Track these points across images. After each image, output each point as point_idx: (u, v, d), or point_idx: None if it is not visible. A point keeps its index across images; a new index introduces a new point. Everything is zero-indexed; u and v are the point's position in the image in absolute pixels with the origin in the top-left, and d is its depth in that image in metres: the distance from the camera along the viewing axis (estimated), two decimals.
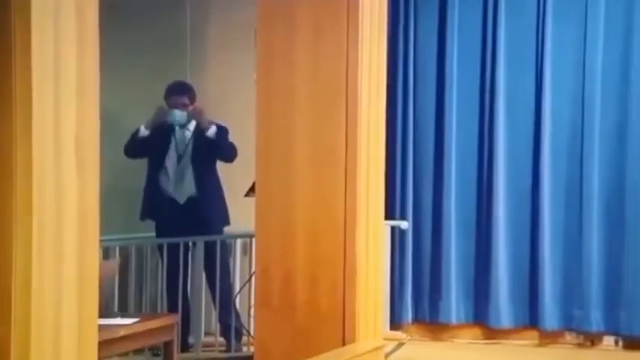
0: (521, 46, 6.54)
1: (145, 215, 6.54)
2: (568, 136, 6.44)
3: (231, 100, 6.93)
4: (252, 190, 5.46)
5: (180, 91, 6.42)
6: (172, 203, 6.42)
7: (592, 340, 6.41)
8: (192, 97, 6.44)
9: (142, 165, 6.58)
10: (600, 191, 6.35)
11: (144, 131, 6.37)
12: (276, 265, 5.14)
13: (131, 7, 6.96)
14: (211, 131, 6.33)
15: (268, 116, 5.16)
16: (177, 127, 6.42)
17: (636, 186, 6.25)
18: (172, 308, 6.30)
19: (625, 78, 6.30)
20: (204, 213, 6.41)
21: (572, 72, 6.42)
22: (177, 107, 6.36)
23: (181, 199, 6.43)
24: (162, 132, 6.40)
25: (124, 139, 6.46)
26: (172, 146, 6.43)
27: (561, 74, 6.44)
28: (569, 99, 6.43)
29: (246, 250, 6.67)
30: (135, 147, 6.41)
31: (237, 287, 6.61)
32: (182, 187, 6.42)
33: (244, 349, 6.42)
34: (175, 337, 5.20)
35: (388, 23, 5.43)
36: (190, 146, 6.42)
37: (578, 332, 6.43)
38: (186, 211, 6.40)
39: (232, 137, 6.47)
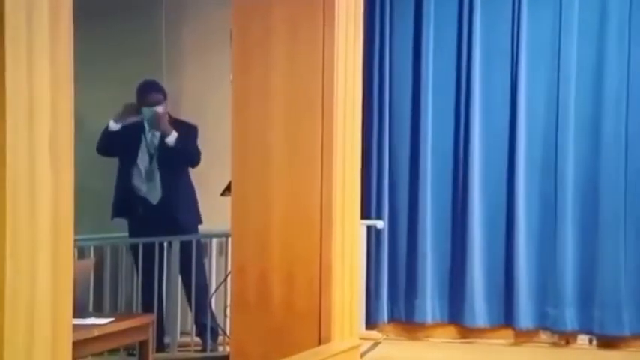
0: (496, 44, 6.57)
1: (115, 214, 6.52)
2: (543, 135, 6.47)
3: (207, 101, 6.92)
4: (228, 190, 5.46)
5: (155, 89, 6.42)
6: (145, 203, 6.41)
7: (566, 338, 6.44)
8: (164, 94, 6.45)
9: (115, 165, 6.57)
10: (575, 190, 6.38)
11: (113, 125, 6.37)
12: (252, 264, 5.14)
13: (106, 8, 6.93)
14: (171, 138, 6.36)
15: (244, 116, 5.16)
16: (147, 127, 6.41)
17: (610, 185, 6.29)
18: (147, 308, 6.28)
19: (599, 75, 6.33)
20: (175, 214, 6.40)
21: (547, 70, 6.45)
22: (151, 104, 6.35)
23: (154, 200, 6.42)
24: (134, 131, 6.39)
25: (99, 133, 6.45)
26: (143, 146, 6.42)
27: (536, 72, 6.47)
28: (544, 97, 6.46)
29: (222, 250, 6.67)
30: (105, 142, 6.41)
31: (213, 287, 6.60)
32: (154, 187, 6.41)
33: (220, 348, 6.41)
34: (151, 336, 5.19)
35: (364, 22, 5.44)
36: (159, 148, 6.42)
37: (553, 331, 6.46)
38: (158, 212, 6.39)
39: (208, 137, 6.47)
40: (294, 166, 5.07)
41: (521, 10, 6.47)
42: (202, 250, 6.60)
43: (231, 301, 5.31)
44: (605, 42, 6.32)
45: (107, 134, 6.39)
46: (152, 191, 6.41)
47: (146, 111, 6.35)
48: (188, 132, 6.42)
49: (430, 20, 6.67)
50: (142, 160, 6.41)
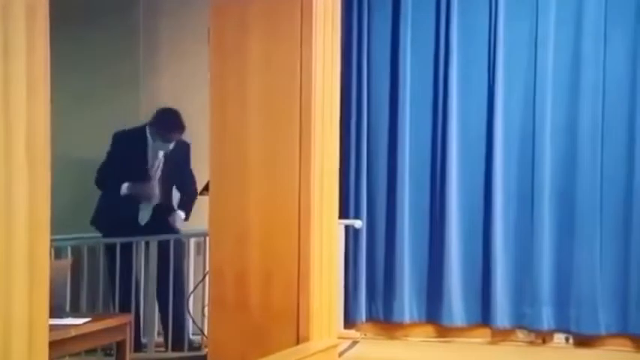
0: (473, 46, 6.59)
1: (96, 225, 6.52)
2: (520, 136, 6.50)
3: (184, 100, 6.90)
4: (206, 189, 5.45)
5: (180, 128, 6.47)
6: (133, 223, 6.41)
7: (543, 337, 6.47)
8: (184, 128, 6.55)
9: (95, 166, 6.55)
10: (551, 190, 6.41)
11: (124, 191, 6.42)
12: (230, 264, 5.13)
13: (82, 7, 6.90)
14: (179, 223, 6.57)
15: (222, 115, 5.15)
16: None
17: (586, 185, 6.32)
18: (125, 308, 6.27)
19: (575, 77, 6.36)
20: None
21: (524, 73, 6.48)
22: (170, 140, 6.39)
23: (142, 220, 6.43)
24: (135, 149, 6.40)
25: (76, 136, 6.42)
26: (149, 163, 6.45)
27: (513, 75, 6.49)
28: (520, 99, 6.49)
29: (200, 250, 6.66)
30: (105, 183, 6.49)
31: (190, 287, 6.59)
32: (147, 208, 6.43)
33: (198, 349, 6.41)
34: (128, 336, 5.17)
35: (342, 22, 5.44)
36: (160, 170, 6.43)
37: (530, 330, 6.49)
38: (143, 232, 6.43)
39: (186, 136, 6.46)
40: (272, 165, 5.07)
41: (498, 13, 6.50)
42: (183, 251, 6.61)
43: (209, 301, 5.30)
44: (581, 45, 6.34)
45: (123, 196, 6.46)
46: (144, 211, 6.46)
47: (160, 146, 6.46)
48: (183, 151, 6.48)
49: (408, 22, 6.68)
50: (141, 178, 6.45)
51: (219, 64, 5.20)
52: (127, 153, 6.42)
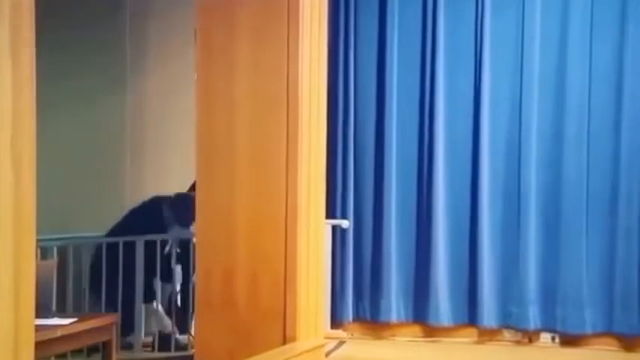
0: (460, 47, 6.60)
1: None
2: (506, 136, 6.51)
3: (171, 101, 6.90)
4: (192, 190, 5.45)
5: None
6: None
7: (529, 337, 6.49)
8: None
9: (81, 166, 6.53)
10: (537, 191, 6.43)
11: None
12: (218, 264, 5.14)
13: (69, 8, 6.88)
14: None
15: (208, 116, 5.16)
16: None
17: (572, 185, 6.34)
18: (111, 308, 6.27)
19: (561, 78, 6.38)
20: None
21: (510, 72, 6.49)
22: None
23: None
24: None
25: (62, 137, 6.40)
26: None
27: (499, 74, 6.50)
28: (507, 99, 6.50)
29: None
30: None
31: (177, 287, 6.59)
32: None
33: (185, 349, 6.40)
34: (114, 336, 5.17)
35: (329, 23, 5.45)
36: None
37: (516, 329, 6.50)
38: None
39: (173, 137, 6.46)
40: (259, 166, 5.08)
41: (485, 14, 6.51)
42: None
43: (196, 300, 5.30)
44: (567, 46, 6.36)
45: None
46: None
47: None
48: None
49: (394, 23, 6.68)
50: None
51: (205, 65, 5.20)
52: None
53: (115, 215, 6.66)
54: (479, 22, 6.54)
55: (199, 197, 5.19)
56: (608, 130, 6.29)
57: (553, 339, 6.45)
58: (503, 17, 6.50)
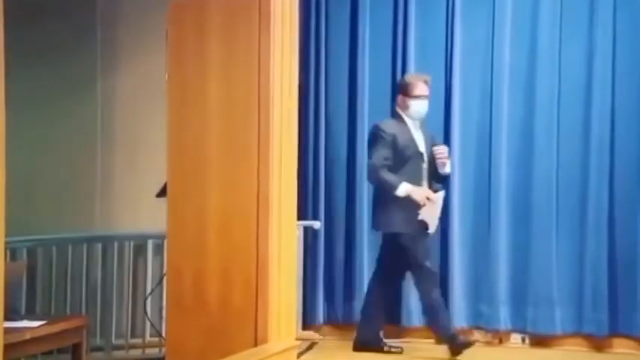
0: (430, 46, 6.63)
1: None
2: (476, 135, 6.54)
3: (142, 100, 6.87)
4: (163, 191, 5.42)
5: None
6: None
7: (500, 337, 6.52)
8: None
9: (52, 166, 6.48)
10: (507, 190, 6.46)
11: None
12: (188, 265, 5.12)
13: (39, 6, 6.83)
14: None
15: (180, 116, 5.14)
16: None
17: (542, 185, 6.38)
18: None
19: (531, 76, 6.43)
20: None
21: (481, 72, 6.53)
22: None
23: None
24: None
25: (31, 134, 6.35)
26: None
27: (470, 74, 6.54)
28: (477, 99, 6.54)
29: (158, 251, 6.62)
30: None
31: (148, 288, 6.56)
32: None
33: (155, 350, 6.38)
34: (84, 339, 5.13)
35: (300, 23, 5.45)
36: None
37: (487, 330, 6.53)
38: None
39: (144, 137, 6.43)
40: (230, 166, 5.06)
41: (455, 14, 6.54)
42: None
43: (167, 302, 5.27)
44: (537, 44, 6.41)
45: None
46: None
47: None
48: None
49: (366, 23, 6.70)
50: None
51: (176, 65, 5.18)
52: None
53: (87, 216, 6.64)
54: (449, 21, 6.58)
55: (170, 197, 5.16)
56: (578, 129, 6.35)
57: (523, 340, 6.48)
58: (473, 16, 6.54)
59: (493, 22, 6.50)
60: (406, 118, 5.94)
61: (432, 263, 6.03)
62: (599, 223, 6.26)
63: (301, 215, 6.12)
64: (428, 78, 6.01)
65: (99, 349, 6.41)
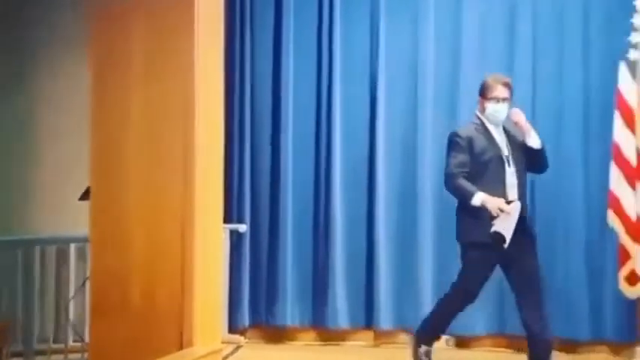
0: (356, 52, 6.67)
1: None
2: (402, 139, 6.60)
3: (65, 104, 6.78)
4: (86, 195, 5.36)
5: None
6: None
7: None
8: None
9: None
10: (433, 194, 6.51)
11: None
12: (112, 269, 5.07)
13: None
14: None
15: (102, 120, 5.10)
16: None
17: None
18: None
19: (455, 82, 6.51)
20: None
21: (406, 76, 6.59)
22: None
23: None
24: None
25: None
26: None
27: (395, 79, 6.60)
28: (402, 103, 6.60)
29: (81, 256, 6.55)
30: None
31: (72, 293, 6.48)
32: None
33: (78, 355, 6.30)
34: (5, 344, 5.05)
35: (225, 29, 5.44)
36: None
37: (412, 332, 6.56)
38: None
39: (67, 141, 6.36)
40: (154, 169, 5.03)
41: (380, 19, 6.60)
42: None
43: (89, 306, 5.22)
44: (461, 50, 6.50)
45: None
46: None
47: None
48: None
49: (290, 28, 6.72)
50: None
51: (98, 68, 5.14)
52: None
53: (6, 220, 6.54)
54: (374, 24, 6.63)
55: (93, 201, 5.11)
56: None
57: (447, 341, 6.54)
58: (398, 19, 6.61)
59: (417, 25, 6.57)
60: (486, 122, 5.52)
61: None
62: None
63: (227, 218, 6.11)
64: (508, 80, 5.59)
65: (20, 354, 6.30)
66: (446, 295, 5.64)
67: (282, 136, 6.69)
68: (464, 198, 5.40)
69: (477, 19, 6.49)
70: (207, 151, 5.12)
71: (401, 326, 6.60)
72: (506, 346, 6.44)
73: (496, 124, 5.50)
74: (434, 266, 6.52)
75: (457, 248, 6.40)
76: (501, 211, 5.26)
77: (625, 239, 5.67)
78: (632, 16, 5.69)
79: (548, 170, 6.27)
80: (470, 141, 5.44)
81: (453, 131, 5.57)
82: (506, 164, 5.44)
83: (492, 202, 5.27)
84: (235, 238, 6.66)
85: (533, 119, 6.32)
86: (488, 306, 6.41)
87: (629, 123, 5.66)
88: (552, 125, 6.34)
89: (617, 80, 5.73)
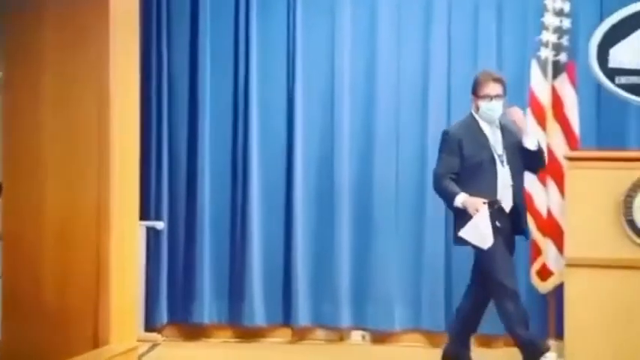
0: (273, 50, 6.67)
1: None
2: (319, 137, 6.62)
3: None
4: None
5: None
6: None
7: (341, 335, 6.62)
8: None
9: None
10: (350, 191, 6.56)
11: None
12: (25, 267, 5.02)
13: None
14: None
15: (14, 115, 5.05)
16: None
17: (383, 185, 6.51)
18: None
19: (371, 78, 6.55)
20: None
21: (323, 76, 6.61)
22: None
23: None
24: None
25: None
26: None
27: (312, 78, 6.61)
28: (319, 102, 6.62)
29: None
30: None
31: None
32: None
33: None
34: None
35: (141, 29, 5.42)
36: None
37: (329, 328, 6.62)
38: None
39: None
40: (68, 167, 5.00)
41: (296, 19, 6.61)
42: None
43: (1, 305, 5.14)
44: (376, 48, 6.55)
45: None
46: None
47: None
48: None
49: (207, 28, 6.67)
50: None
51: (11, 68, 5.08)
52: None
53: None
54: (291, 28, 6.64)
55: (5, 198, 5.04)
56: (416, 131, 6.51)
57: (363, 337, 6.60)
58: (314, 22, 6.63)
59: (333, 27, 6.60)
60: (479, 120, 5.29)
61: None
62: (436, 223, 6.43)
63: (144, 215, 6.07)
64: (500, 76, 5.37)
65: None
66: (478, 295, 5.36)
67: (200, 134, 6.66)
68: (448, 200, 5.24)
69: (393, 18, 6.54)
70: (123, 149, 5.10)
71: (318, 323, 6.63)
72: (422, 342, 6.51)
73: (490, 122, 5.28)
74: (351, 264, 6.56)
75: (373, 244, 6.52)
76: (477, 210, 5.08)
77: (536, 235, 5.80)
78: (543, 15, 5.81)
79: None
80: (460, 141, 5.23)
81: (445, 129, 5.43)
82: (500, 164, 5.23)
83: (471, 203, 5.10)
84: (153, 235, 6.60)
85: (447, 117, 6.46)
86: (404, 302, 6.48)
87: (541, 121, 5.78)
88: None
89: (529, 79, 5.86)
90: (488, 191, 5.15)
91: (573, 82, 5.75)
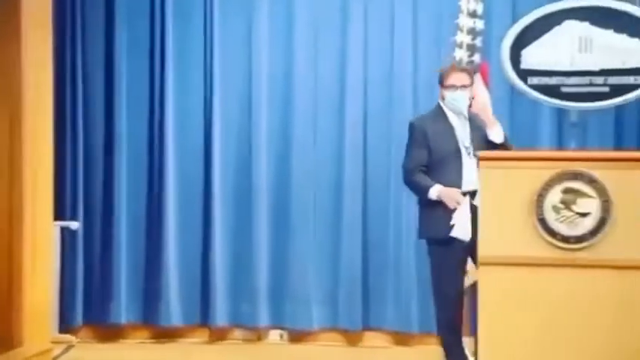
0: (190, 51, 6.65)
1: None
2: (237, 137, 6.63)
3: None
4: None
5: None
6: None
7: (259, 335, 6.64)
8: None
9: None
10: (268, 190, 6.58)
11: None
12: None
13: None
14: None
15: None
16: None
17: (300, 186, 6.55)
18: None
19: (289, 80, 6.59)
20: None
21: (240, 78, 6.62)
22: None
23: None
24: None
25: None
26: None
27: (229, 79, 6.62)
28: (236, 102, 6.63)
29: None
30: None
31: None
32: None
33: None
34: None
35: (54, 24, 5.36)
36: None
37: (247, 328, 6.63)
38: None
39: None
40: None
41: (214, 22, 6.61)
42: None
43: None
44: (294, 50, 6.58)
45: None
46: None
47: None
48: None
49: (123, 26, 6.64)
50: None
51: None
52: None
53: None
54: (208, 30, 6.63)
55: None
56: (333, 132, 6.57)
57: (281, 336, 6.62)
58: (231, 24, 6.64)
59: (251, 24, 6.62)
60: (446, 110, 5.17)
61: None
62: (353, 223, 6.50)
63: (59, 215, 5.99)
64: (468, 67, 5.36)
65: None
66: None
67: (116, 135, 6.61)
68: (421, 193, 5.12)
69: (309, 20, 6.58)
70: (36, 150, 5.05)
71: (236, 323, 6.63)
72: (339, 341, 6.56)
73: (457, 113, 5.16)
74: (269, 263, 6.58)
75: (291, 244, 6.55)
76: (458, 203, 4.99)
77: None
78: (457, 17, 5.90)
79: (381, 169, 6.48)
80: (425, 132, 5.12)
81: (411, 120, 5.30)
82: (466, 155, 5.10)
83: (448, 194, 4.99)
84: (68, 235, 6.52)
85: (364, 119, 6.53)
86: (322, 301, 6.53)
87: None
88: (384, 125, 6.50)
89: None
90: (454, 182, 5.05)
91: (487, 83, 5.84)
